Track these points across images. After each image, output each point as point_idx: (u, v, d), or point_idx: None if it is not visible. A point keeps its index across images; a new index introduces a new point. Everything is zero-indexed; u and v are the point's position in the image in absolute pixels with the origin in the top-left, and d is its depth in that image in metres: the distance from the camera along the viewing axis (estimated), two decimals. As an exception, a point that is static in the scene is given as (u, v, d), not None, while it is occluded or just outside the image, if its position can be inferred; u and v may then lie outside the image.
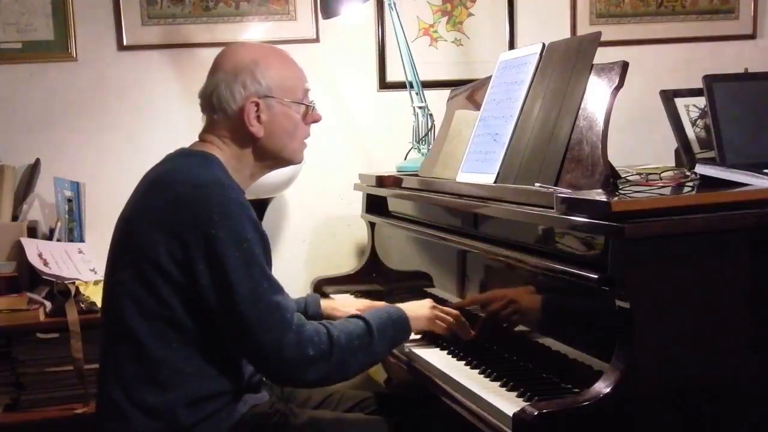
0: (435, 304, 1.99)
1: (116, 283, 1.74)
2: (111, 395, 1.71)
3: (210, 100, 1.81)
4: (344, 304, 2.21)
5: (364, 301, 2.25)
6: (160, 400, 1.68)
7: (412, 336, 2.02)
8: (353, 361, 1.75)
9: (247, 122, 1.79)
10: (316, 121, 1.90)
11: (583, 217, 1.53)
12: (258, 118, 1.79)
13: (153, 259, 1.66)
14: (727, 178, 1.68)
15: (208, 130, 1.84)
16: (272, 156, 1.85)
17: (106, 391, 1.73)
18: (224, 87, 1.79)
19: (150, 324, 1.68)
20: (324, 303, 2.18)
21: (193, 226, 1.64)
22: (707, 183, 1.71)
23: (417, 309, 1.95)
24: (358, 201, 2.86)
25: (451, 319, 1.97)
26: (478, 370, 1.77)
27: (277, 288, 1.70)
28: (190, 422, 1.69)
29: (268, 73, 1.80)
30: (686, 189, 1.72)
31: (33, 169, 2.85)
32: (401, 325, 1.88)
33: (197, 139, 1.86)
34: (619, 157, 1.97)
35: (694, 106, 2.15)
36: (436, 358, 1.89)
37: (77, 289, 2.54)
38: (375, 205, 2.74)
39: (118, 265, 1.74)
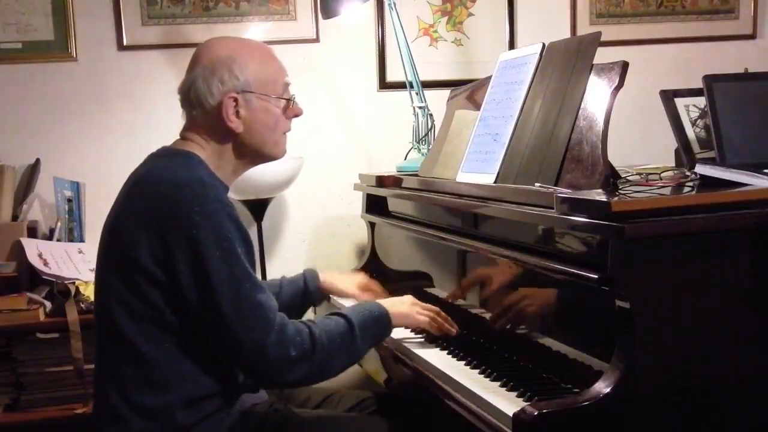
0: (415, 300, 1.99)
1: (104, 286, 1.73)
2: (108, 398, 1.70)
3: (188, 96, 1.79)
4: (342, 280, 2.23)
5: (361, 276, 2.26)
6: (157, 402, 1.67)
7: (410, 334, 2.02)
8: (335, 361, 1.74)
9: (225, 118, 1.76)
10: (297, 115, 1.88)
11: (583, 217, 1.53)
12: (237, 113, 1.77)
13: (136, 260, 1.64)
14: (727, 178, 1.67)
15: (188, 127, 1.83)
16: (253, 151, 1.83)
17: (102, 394, 1.72)
18: (202, 82, 1.77)
19: (139, 325, 1.66)
20: (323, 277, 2.19)
21: (174, 226, 1.63)
22: (707, 183, 1.70)
23: (398, 305, 1.94)
24: (358, 201, 2.86)
25: (432, 314, 1.97)
26: (478, 370, 1.77)
27: (259, 287, 1.68)
28: (188, 423, 1.68)
29: (246, 67, 1.77)
30: (686, 189, 1.72)
31: (33, 169, 2.85)
32: (382, 322, 1.87)
33: (178, 137, 1.84)
34: (619, 157, 1.96)
35: (694, 106, 2.15)
36: (436, 358, 1.89)
37: (77, 289, 2.55)
38: (375, 205, 2.73)
39: (104, 268, 1.73)
